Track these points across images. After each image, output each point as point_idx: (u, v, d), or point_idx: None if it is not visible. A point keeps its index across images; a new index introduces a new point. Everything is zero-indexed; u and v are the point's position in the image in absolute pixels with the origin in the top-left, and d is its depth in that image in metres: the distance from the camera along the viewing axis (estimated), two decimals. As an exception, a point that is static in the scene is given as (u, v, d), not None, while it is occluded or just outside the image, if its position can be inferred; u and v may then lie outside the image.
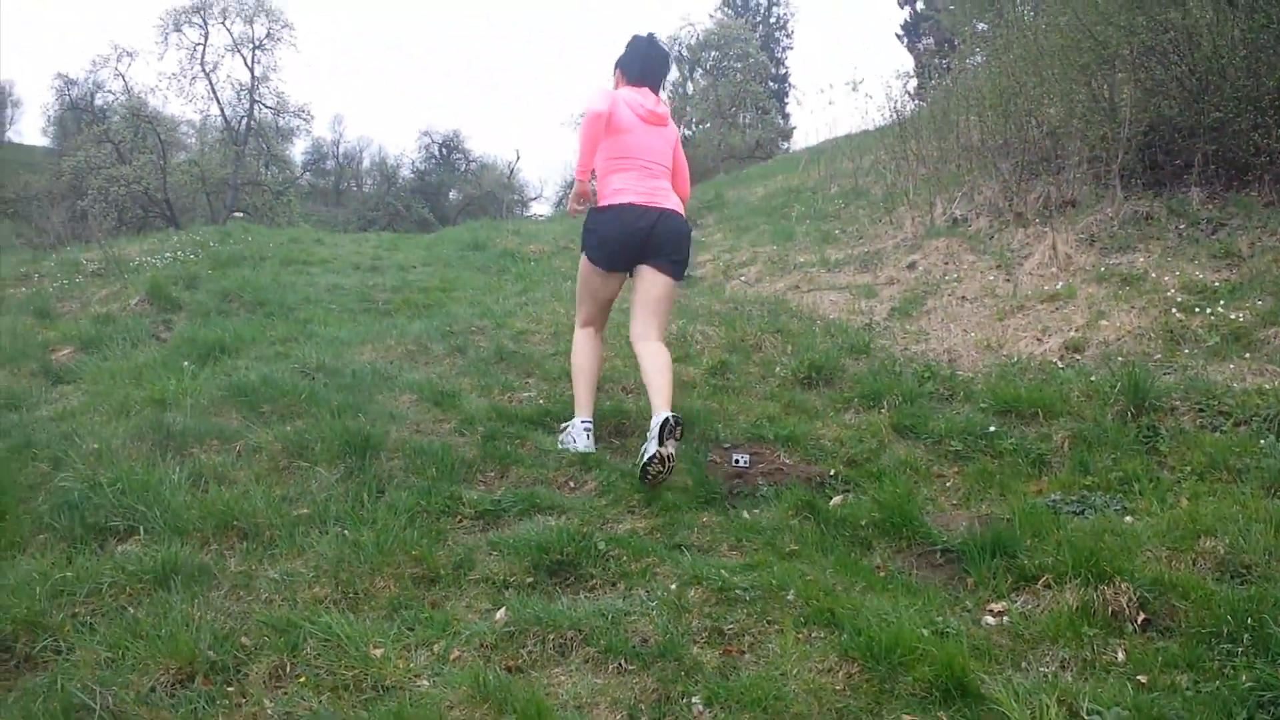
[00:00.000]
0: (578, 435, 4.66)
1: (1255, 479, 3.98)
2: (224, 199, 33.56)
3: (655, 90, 5.07)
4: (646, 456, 4.09)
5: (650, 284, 4.79)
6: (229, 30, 34.65)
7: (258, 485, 3.99)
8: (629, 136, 4.81)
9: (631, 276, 4.89)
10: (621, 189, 4.75)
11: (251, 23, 34.73)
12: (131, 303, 8.13)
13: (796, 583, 3.33)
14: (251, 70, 35.37)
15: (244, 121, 36.03)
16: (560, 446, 4.63)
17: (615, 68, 5.12)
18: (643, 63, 5.05)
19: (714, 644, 3.06)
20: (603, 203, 4.79)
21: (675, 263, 4.82)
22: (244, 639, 2.98)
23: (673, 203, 4.87)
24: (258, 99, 35.84)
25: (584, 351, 4.88)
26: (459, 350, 6.00)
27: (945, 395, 5.40)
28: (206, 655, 2.86)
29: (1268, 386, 4.80)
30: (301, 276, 9.52)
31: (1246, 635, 2.90)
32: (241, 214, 28.80)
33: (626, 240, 4.72)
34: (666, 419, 4.17)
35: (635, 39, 5.09)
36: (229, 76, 36.43)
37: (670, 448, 4.13)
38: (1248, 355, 5.25)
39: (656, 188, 4.82)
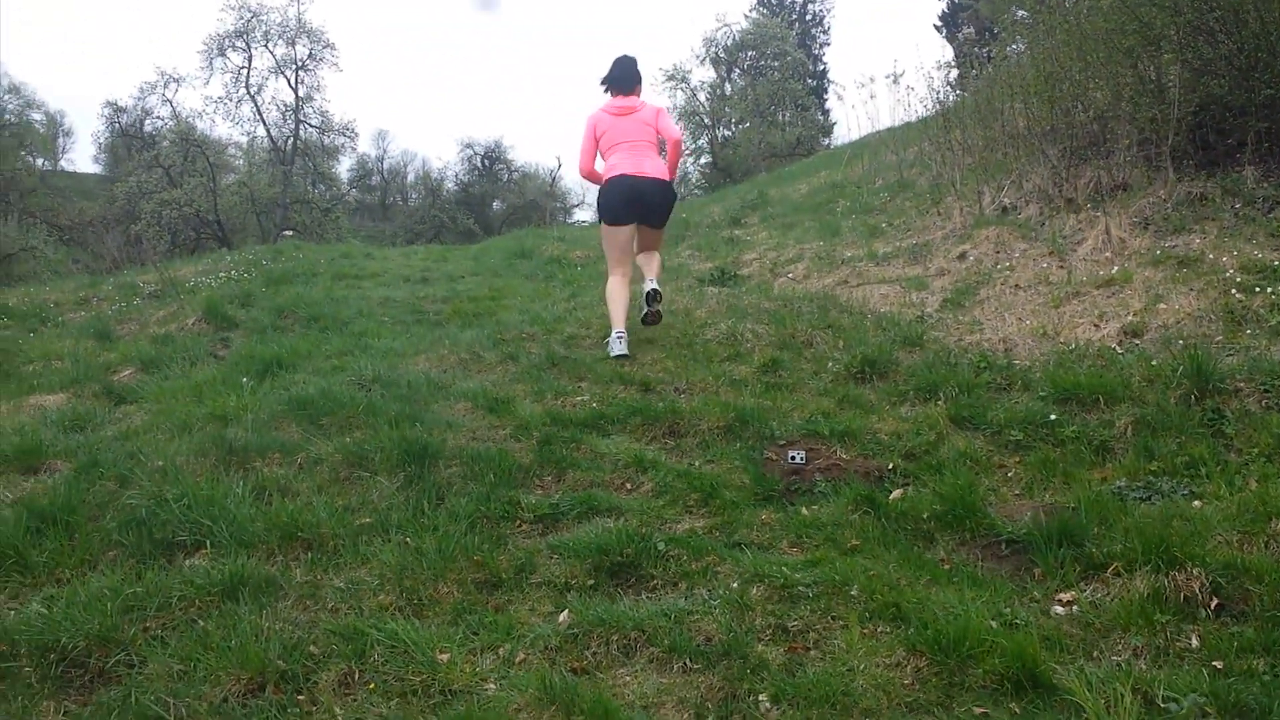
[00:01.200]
0: (614, 343, 6.14)
1: (1326, 458, 3.89)
2: (274, 218, 34.07)
3: (627, 92, 6.66)
4: (642, 315, 6.38)
5: (645, 233, 6.65)
6: (272, 53, 35.17)
7: (320, 496, 4.05)
8: (611, 130, 6.56)
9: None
10: (614, 165, 6.48)
11: (294, 44, 35.22)
12: (189, 322, 8.28)
13: (859, 578, 3.31)
14: (295, 91, 35.87)
15: (290, 141, 36.53)
16: (607, 353, 6.15)
17: (601, 85, 6.77)
18: (613, 78, 6.69)
19: (778, 641, 3.05)
20: (605, 177, 6.54)
21: (659, 215, 6.62)
22: (312, 648, 3.03)
23: (655, 169, 6.49)
24: (303, 119, 36.31)
25: (615, 286, 6.40)
26: (511, 357, 6.03)
27: (1003, 385, 5.32)
28: (276, 665, 2.91)
29: (1335, 365, 4.69)
30: (353, 291, 9.63)
31: (1324, 618, 2.83)
32: (291, 232, 29.21)
33: (624, 198, 6.42)
34: (653, 288, 6.32)
35: (613, 61, 6.72)
36: (274, 98, 36.82)
37: (655, 305, 6.33)
38: (1313, 334, 5.12)
39: (642, 159, 6.47)
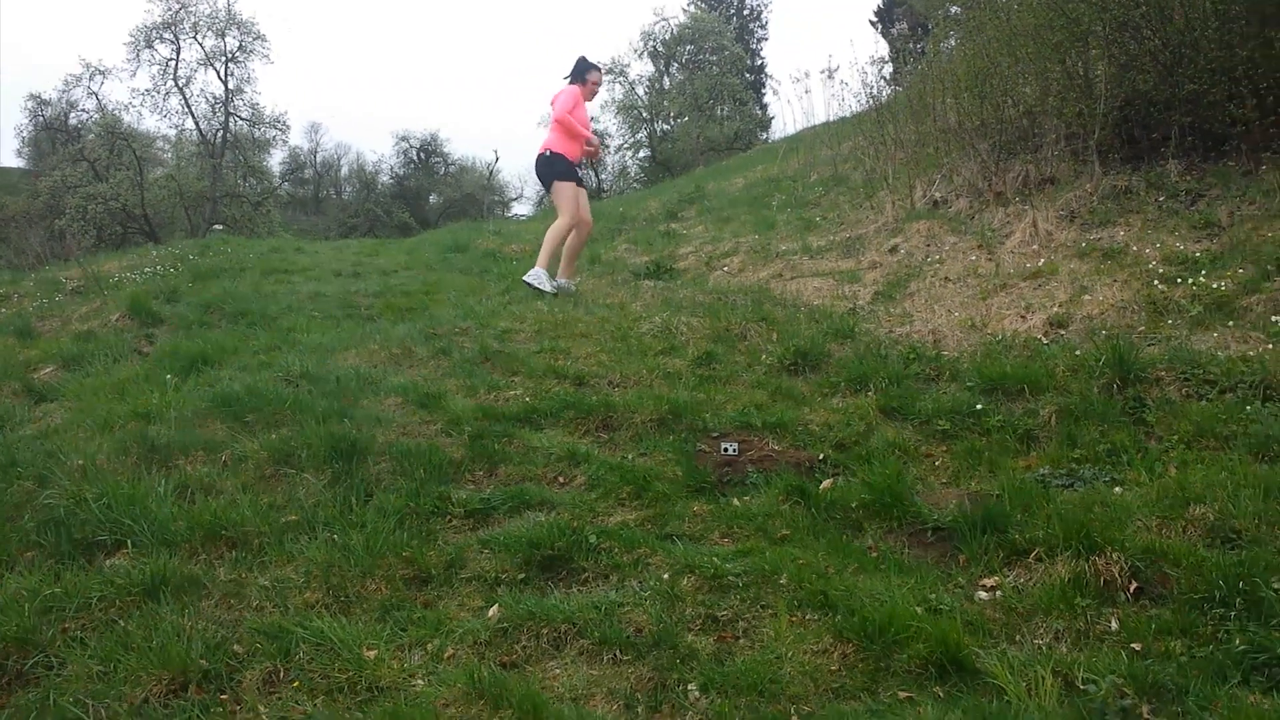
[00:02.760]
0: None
1: (1242, 445, 4.01)
2: (203, 212, 33.35)
3: (569, 81, 8.25)
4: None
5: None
6: (201, 44, 34.38)
7: (245, 494, 3.98)
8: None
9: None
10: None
11: (223, 36, 34.47)
12: (112, 319, 8.08)
13: (789, 567, 3.33)
14: (225, 83, 35.14)
15: (220, 134, 35.79)
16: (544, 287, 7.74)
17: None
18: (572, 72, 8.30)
19: (708, 631, 3.06)
20: None
21: (543, 183, 8.45)
22: (236, 647, 2.98)
23: (543, 144, 8.11)
24: (232, 111, 35.59)
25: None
26: (443, 352, 5.97)
27: (931, 376, 5.40)
28: (199, 664, 2.86)
29: (1251, 353, 4.82)
30: (283, 285, 9.47)
31: (1239, 599, 2.92)
32: (221, 226, 28.59)
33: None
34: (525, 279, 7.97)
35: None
36: (203, 90, 35.81)
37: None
38: (1231, 323, 5.27)
39: (548, 135, 8.17)
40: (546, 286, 7.78)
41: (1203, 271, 5.82)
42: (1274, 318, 5.15)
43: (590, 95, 8.32)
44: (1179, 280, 5.83)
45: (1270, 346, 4.87)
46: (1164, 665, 2.70)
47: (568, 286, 8.02)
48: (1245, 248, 5.93)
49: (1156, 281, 5.90)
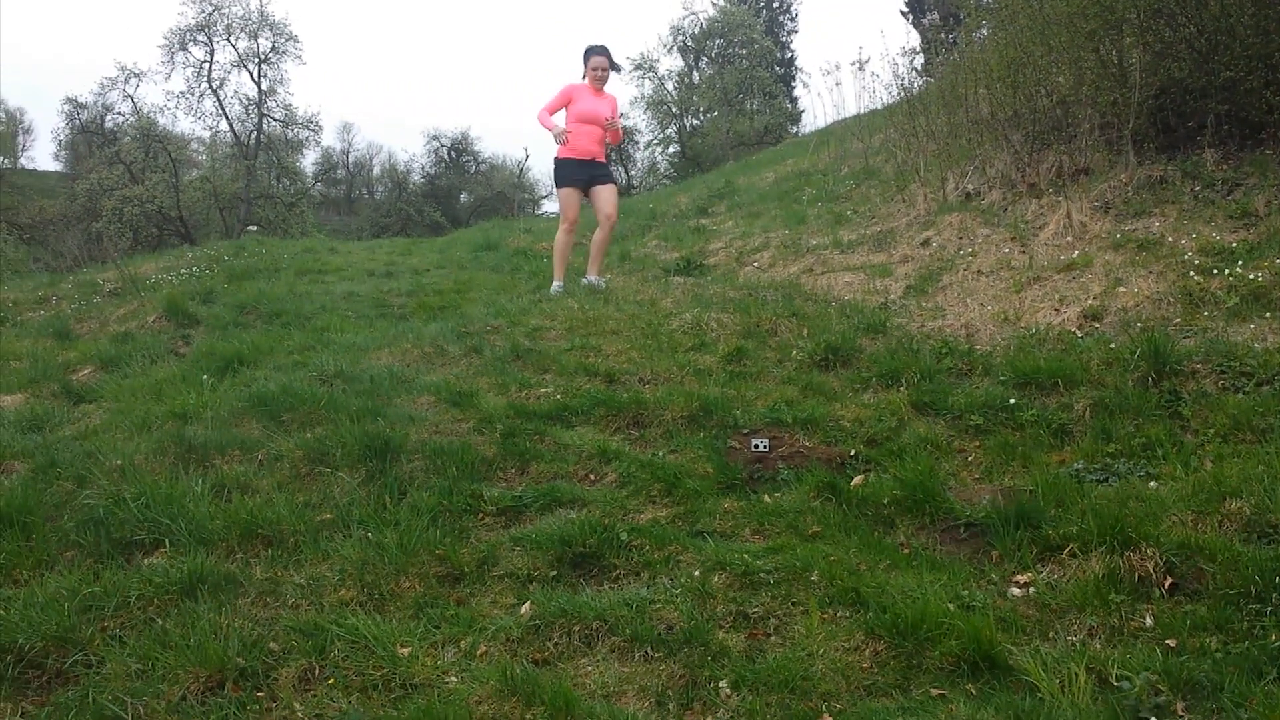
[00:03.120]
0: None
1: (1279, 438, 3.94)
2: (237, 213, 33.73)
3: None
4: None
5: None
6: (234, 46, 34.76)
7: (280, 493, 4.03)
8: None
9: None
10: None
11: (256, 38, 34.83)
12: (149, 320, 8.20)
13: (820, 564, 3.33)
14: (258, 84, 35.52)
15: (253, 135, 36.18)
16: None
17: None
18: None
19: (739, 628, 3.07)
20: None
21: None
22: (272, 644, 3.02)
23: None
24: (266, 112, 35.98)
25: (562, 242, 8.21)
26: (475, 350, 6.01)
27: (964, 370, 5.37)
28: (235, 662, 2.90)
29: (1289, 345, 4.75)
30: (316, 285, 9.57)
31: (1275, 595, 2.89)
32: (255, 227, 28.96)
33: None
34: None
35: None
36: (236, 92, 36.24)
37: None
38: (1268, 315, 5.19)
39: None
40: (560, 290, 7.93)
41: (1239, 262, 5.74)
42: (1313, 308, 5.08)
43: (597, 81, 8.11)
44: (1215, 271, 5.75)
45: (1309, 338, 4.80)
46: (1199, 662, 2.68)
47: (597, 284, 7.97)
48: (1283, 237, 5.84)
49: (1192, 273, 5.82)
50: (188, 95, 34.83)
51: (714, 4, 40.24)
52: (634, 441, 4.72)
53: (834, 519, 3.79)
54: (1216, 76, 7.23)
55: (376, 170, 49.54)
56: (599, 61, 8.14)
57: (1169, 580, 3.11)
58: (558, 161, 8.08)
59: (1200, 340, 5.05)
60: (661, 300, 7.26)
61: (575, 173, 8.04)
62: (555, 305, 7.23)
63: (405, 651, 2.95)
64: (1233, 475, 3.61)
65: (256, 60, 35.14)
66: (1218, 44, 7.28)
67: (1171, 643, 2.81)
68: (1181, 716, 2.51)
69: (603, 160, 8.25)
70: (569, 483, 4.21)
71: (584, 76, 8.18)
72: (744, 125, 35.29)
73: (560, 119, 8.12)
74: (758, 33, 38.18)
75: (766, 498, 4.05)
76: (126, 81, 34.65)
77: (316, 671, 2.90)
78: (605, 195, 8.12)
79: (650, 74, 38.12)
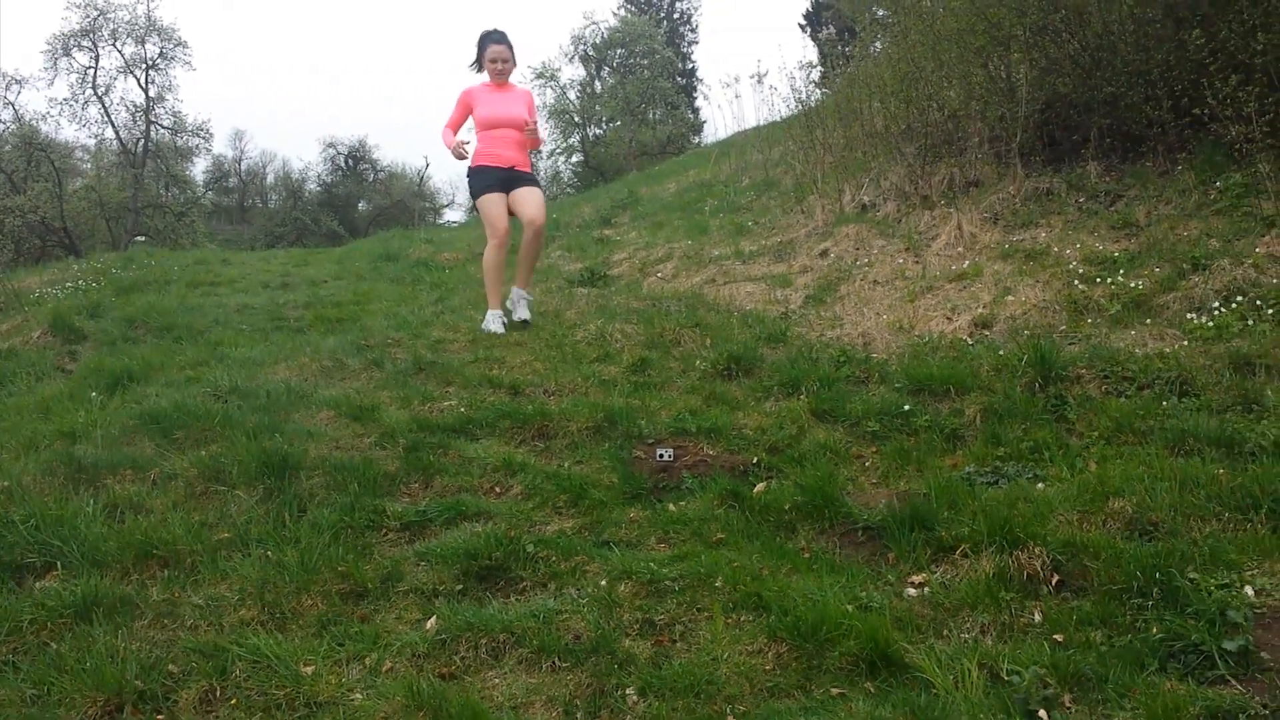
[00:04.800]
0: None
1: (1159, 439, 4.14)
2: (125, 224, 32.60)
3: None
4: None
5: None
6: (120, 52, 33.59)
7: (175, 512, 3.92)
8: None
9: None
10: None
11: (143, 43, 33.71)
12: (34, 335, 7.90)
13: (724, 570, 3.38)
14: (146, 91, 34.38)
15: (141, 143, 35.00)
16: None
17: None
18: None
19: (646, 635, 3.10)
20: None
21: None
22: (171, 666, 2.96)
23: None
24: (154, 119, 34.82)
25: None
26: (375, 363, 5.94)
27: (861, 378, 5.50)
28: (134, 685, 2.83)
29: (1168, 350, 4.99)
30: (209, 298, 9.34)
31: (1155, 589, 3.02)
32: (143, 238, 28.04)
33: None
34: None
35: None
36: (123, 98, 35.00)
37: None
38: (1148, 321, 5.44)
39: None
40: (498, 323, 6.75)
41: (1121, 271, 6.00)
42: (1189, 314, 5.34)
43: (498, 75, 6.90)
44: (1098, 280, 6.00)
45: (1186, 343, 5.05)
46: (1084, 655, 2.79)
47: (520, 304, 7.00)
48: (1162, 247, 6.13)
49: (1077, 281, 6.07)
50: (72, 102, 33.54)
51: (615, 14, 40.48)
52: (539, 453, 4.73)
53: (737, 526, 3.85)
54: (1099, 91, 7.55)
55: (270, 178, 48.39)
56: (498, 51, 6.89)
57: (1056, 578, 3.23)
58: (470, 171, 6.95)
59: (1084, 346, 5.27)
60: (566, 311, 7.28)
61: (491, 176, 6.86)
62: (457, 317, 7.20)
63: (309, 670, 2.91)
64: (1115, 476, 3.77)
65: (144, 66, 34.04)
66: (1100, 60, 7.61)
67: (1059, 638, 2.92)
68: (1069, 708, 2.61)
69: (526, 169, 7.02)
70: (474, 496, 4.19)
71: (480, 68, 7.02)
72: (647, 135, 35.52)
73: (469, 135, 7.06)
74: (659, 43, 38.50)
75: (672, 506, 4.09)
76: (7, 88, 33.21)
77: (218, 692, 2.85)
78: (528, 198, 6.87)
79: (552, 83, 38.13)
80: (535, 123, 6.93)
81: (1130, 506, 3.54)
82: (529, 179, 6.98)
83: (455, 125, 6.96)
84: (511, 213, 6.90)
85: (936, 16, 9.40)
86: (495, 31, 6.96)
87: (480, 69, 6.98)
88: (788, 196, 10.58)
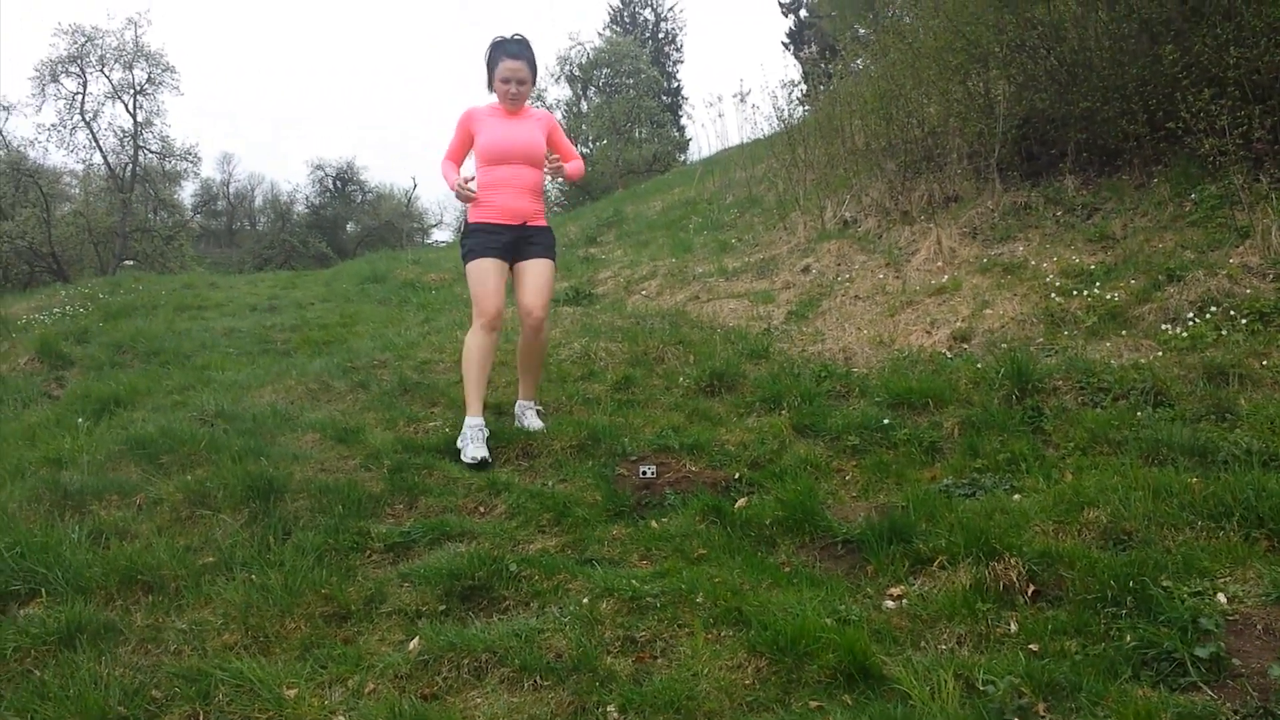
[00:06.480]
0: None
1: (1134, 449, 4.19)
2: (113, 248, 32.53)
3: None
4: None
5: None
6: (108, 77, 33.61)
7: (160, 537, 3.94)
8: None
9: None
10: None
11: (131, 68, 33.70)
12: (21, 362, 7.92)
13: (705, 585, 3.41)
14: (134, 116, 34.39)
15: (129, 168, 34.97)
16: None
17: None
18: None
19: (627, 652, 3.12)
20: None
21: None
22: (154, 692, 2.96)
23: None
24: (142, 144, 34.82)
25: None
26: (361, 385, 5.97)
27: (842, 393, 5.56)
28: (117, 711, 2.83)
29: (1143, 361, 5.06)
30: (196, 322, 9.37)
31: (1129, 598, 3.06)
32: (131, 262, 28.01)
33: None
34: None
35: None
36: (111, 124, 35.09)
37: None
38: (1124, 332, 5.51)
39: None
40: (479, 443, 4.91)
41: (1097, 283, 6.08)
42: (1164, 325, 5.41)
43: (510, 100, 5.23)
44: (1075, 292, 6.07)
45: (1160, 354, 5.12)
46: (1059, 664, 2.82)
47: (531, 423, 5.31)
48: (1137, 259, 6.21)
49: (1054, 294, 6.14)
50: (60, 128, 33.46)
51: (600, 34, 40.69)
52: (523, 472, 4.76)
53: (719, 541, 3.88)
54: (1076, 106, 7.65)
55: (259, 201, 48.35)
56: (513, 70, 5.18)
57: (1032, 588, 3.27)
58: (466, 230, 5.31)
59: (1061, 358, 5.33)
60: (551, 330, 7.32)
61: (492, 239, 5.17)
62: (443, 338, 7.23)
63: (292, 693, 2.92)
64: (1090, 486, 3.82)
65: (132, 91, 34.03)
66: (1076, 75, 7.71)
67: (1034, 647, 2.96)
68: (1043, 716, 2.64)
69: (541, 222, 5.38)
70: (458, 516, 4.22)
71: (490, 87, 5.32)
72: (633, 153, 35.67)
73: (470, 167, 5.38)
74: (644, 62, 38.71)
75: (654, 523, 4.13)
76: (-5, 115, 33.28)
77: (201, 717, 2.86)
78: (534, 276, 5.24)
79: (539, 103, 38.28)
80: (559, 156, 5.35)
81: (1105, 516, 3.59)
82: (542, 243, 5.35)
83: (456, 157, 5.36)
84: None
85: (916, 35, 9.53)
86: (511, 41, 5.27)
87: (491, 89, 5.33)
88: (770, 213, 10.66)
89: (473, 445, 4.86)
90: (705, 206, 13.01)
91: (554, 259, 5.43)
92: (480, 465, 4.73)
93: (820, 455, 4.75)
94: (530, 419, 5.33)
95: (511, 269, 5.29)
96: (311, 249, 40.73)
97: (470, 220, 5.27)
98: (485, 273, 5.14)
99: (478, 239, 5.19)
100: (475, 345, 5.08)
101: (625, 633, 3.20)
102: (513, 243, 5.22)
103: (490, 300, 5.11)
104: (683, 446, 4.88)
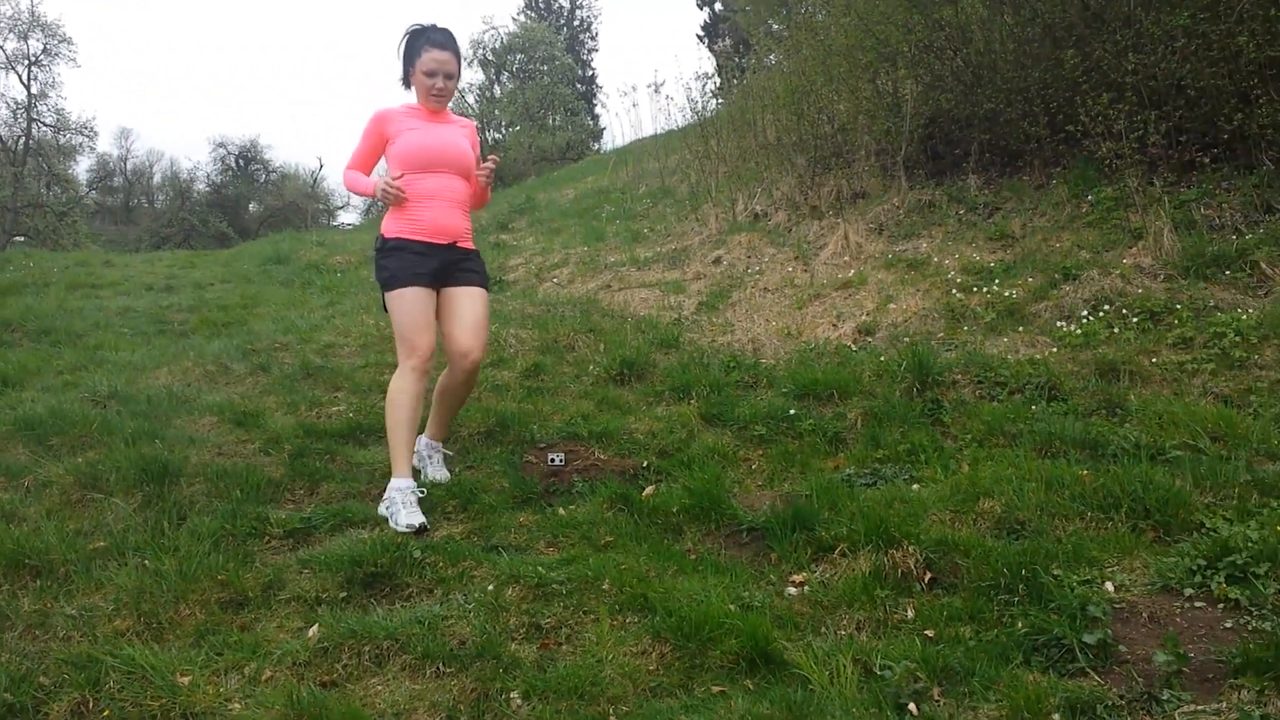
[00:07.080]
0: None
1: (1028, 442, 4.32)
2: (3, 224, 31.27)
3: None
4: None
5: None
6: (1, 48, 32.34)
7: (49, 521, 3.81)
8: None
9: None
10: None
11: (26, 39, 32.50)
12: (-101, 339, 7.53)
13: (611, 572, 3.42)
14: (28, 87, 33.12)
15: (21, 141, 33.66)
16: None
17: None
18: None
19: (532, 639, 3.11)
20: None
21: None
22: (42, 678, 2.87)
23: None
24: (36, 117, 33.56)
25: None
26: (262, 368, 5.83)
27: (750, 383, 5.62)
28: (3, 698, 2.75)
29: (1038, 356, 5.22)
30: (90, 301, 9.04)
31: (1022, 586, 3.15)
32: (23, 238, 26.93)
33: None
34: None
35: None
36: (3, 95, 33.82)
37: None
38: (1021, 329, 5.68)
39: None
40: (414, 508, 3.93)
41: (997, 280, 6.25)
42: (1059, 323, 5.58)
43: (435, 98, 4.29)
44: (975, 289, 6.24)
45: (1055, 350, 5.29)
46: (954, 649, 2.90)
47: (430, 458, 4.52)
48: (1035, 257, 6.40)
49: (955, 290, 6.30)
50: (-52, 99, 32.11)
51: (514, 19, 40.35)
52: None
53: (626, 529, 3.89)
54: (980, 107, 7.85)
55: (157, 178, 46.82)
56: (439, 61, 4.26)
57: (929, 575, 3.35)
58: (383, 245, 4.30)
59: (960, 353, 5.47)
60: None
61: (419, 263, 4.22)
62: (348, 321, 7.09)
63: (185, 680, 2.85)
64: (986, 477, 3.92)
65: (26, 62, 32.76)
66: (981, 77, 7.91)
67: (930, 633, 3.03)
68: (937, 701, 2.71)
69: (470, 244, 4.51)
70: (361, 502, 4.15)
71: (407, 83, 4.40)
72: (546, 141, 35.45)
73: (382, 172, 4.39)
74: (559, 49, 38.51)
75: (561, 510, 4.12)
76: (-122, 86, 31.68)
77: (90, 704, 2.77)
78: (468, 308, 4.34)
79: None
80: (491, 169, 4.54)
81: (999, 506, 3.69)
82: (475, 269, 4.48)
83: (365, 166, 4.41)
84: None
85: (828, 32, 9.65)
86: (434, 29, 4.35)
87: (409, 85, 4.41)
88: (683, 205, 10.72)
89: (405, 511, 3.90)
90: (618, 196, 13.02)
91: (489, 288, 4.58)
92: (419, 532, 3.84)
93: (727, 444, 4.80)
94: (435, 466, 4.52)
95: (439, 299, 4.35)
96: (212, 228, 39.68)
97: (388, 234, 4.28)
98: (414, 305, 4.19)
99: (401, 261, 4.21)
100: (405, 393, 4.12)
101: (530, 619, 3.19)
102: (441, 267, 4.29)
103: (422, 337, 4.17)
104: (592, 434, 4.88)
